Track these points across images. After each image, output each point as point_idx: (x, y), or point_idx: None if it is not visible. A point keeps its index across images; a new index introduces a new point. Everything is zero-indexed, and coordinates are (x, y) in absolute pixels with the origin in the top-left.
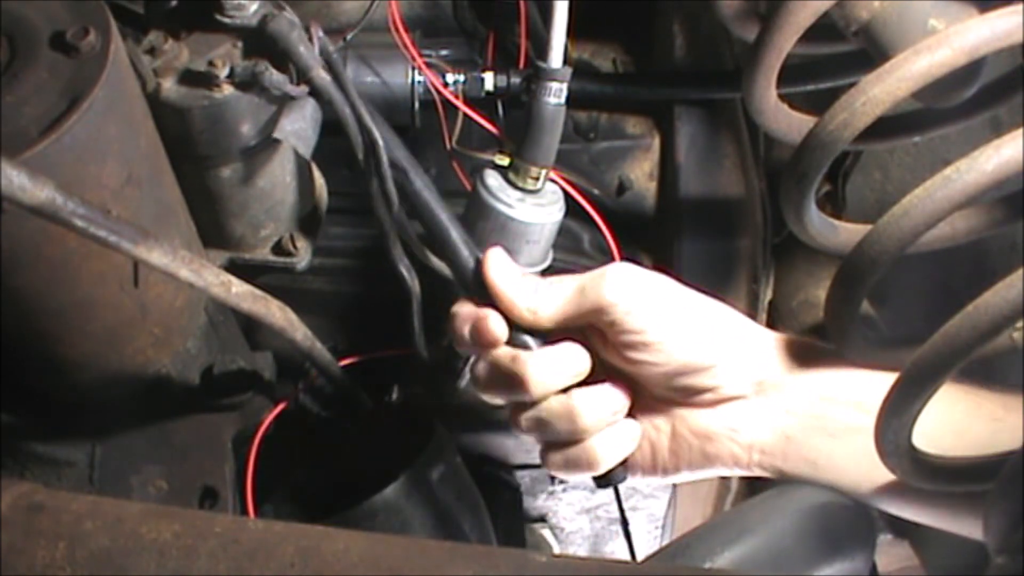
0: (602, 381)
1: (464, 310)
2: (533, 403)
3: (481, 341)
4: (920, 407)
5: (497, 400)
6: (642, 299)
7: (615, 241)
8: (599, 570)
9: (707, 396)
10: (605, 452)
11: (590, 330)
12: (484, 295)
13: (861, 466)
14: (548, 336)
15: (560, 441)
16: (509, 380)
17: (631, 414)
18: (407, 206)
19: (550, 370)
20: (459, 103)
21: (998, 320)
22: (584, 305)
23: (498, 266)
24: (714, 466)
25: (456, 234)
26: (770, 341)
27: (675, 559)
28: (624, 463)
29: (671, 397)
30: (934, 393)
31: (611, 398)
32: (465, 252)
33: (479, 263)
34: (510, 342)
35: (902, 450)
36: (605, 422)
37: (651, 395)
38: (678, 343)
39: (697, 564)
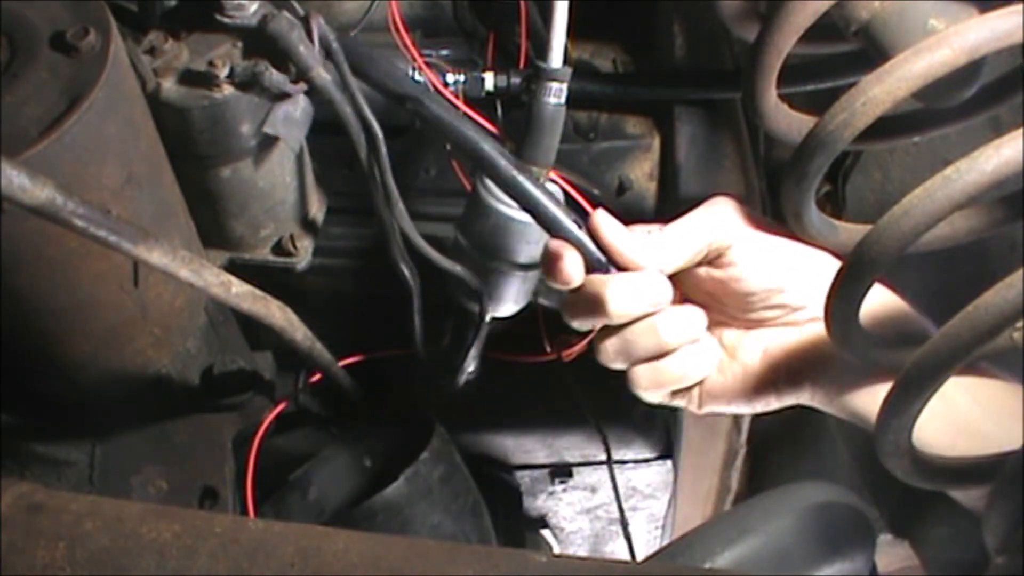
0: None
1: (553, 245)
2: (618, 328)
3: (566, 272)
4: (920, 407)
5: (584, 325)
6: (737, 223)
7: None
8: (599, 570)
9: (793, 316)
10: (689, 368)
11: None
12: (529, 203)
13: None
14: None
15: (644, 358)
16: (591, 304)
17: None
18: (433, 132)
19: (631, 295)
20: (459, 103)
21: (998, 320)
22: (699, 254)
23: (610, 229)
24: (799, 388)
25: (490, 146)
26: None
27: (675, 559)
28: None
29: (758, 318)
30: (934, 393)
31: (692, 316)
32: (504, 161)
33: (590, 230)
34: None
35: (902, 450)
36: (688, 339)
37: (737, 318)
38: (765, 257)
39: (697, 564)
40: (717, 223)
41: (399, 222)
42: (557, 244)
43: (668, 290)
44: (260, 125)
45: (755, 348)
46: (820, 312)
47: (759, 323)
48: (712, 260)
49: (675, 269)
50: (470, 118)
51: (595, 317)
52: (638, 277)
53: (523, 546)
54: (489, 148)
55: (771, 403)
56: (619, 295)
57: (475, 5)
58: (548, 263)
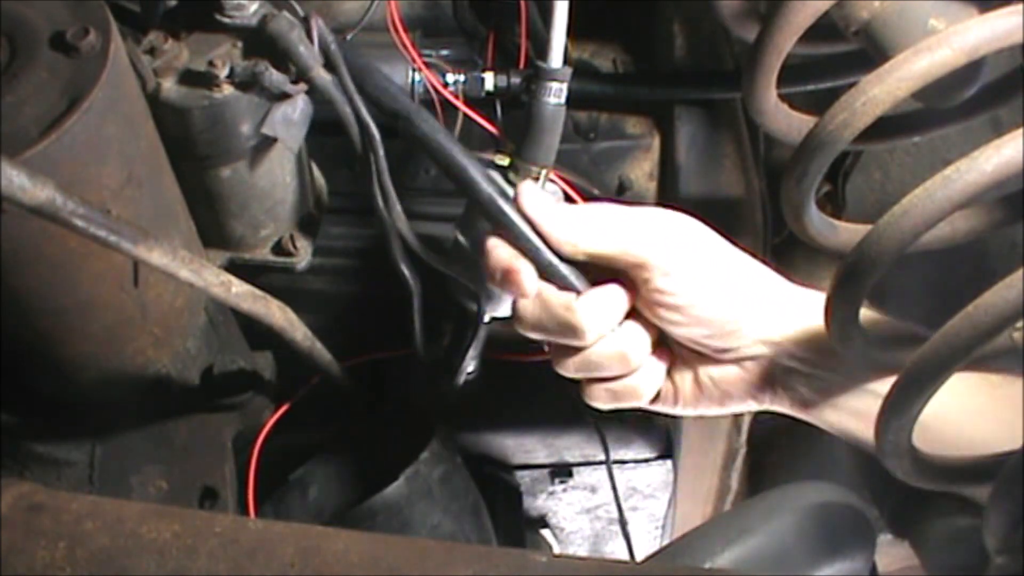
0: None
1: (499, 252)
2: (582, 348)
3: (512, 290)
4: (920, 407)
5: (538, 339)
6: (681, 261)
7: None
8: (599, 570)
9: (729, 355)
10: (647, 386)
11: (622, 272)
12: (511, 228)
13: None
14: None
15: (606, 377)
16: (562, 327)
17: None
18: (421, 151)
19: (603, 316)
20: (459, 103)
21: (998, 320)
22: (624, 254)
23: (532, 198)
24: (732, 407)
25: (475, 171)
26: (801, 299)
27: (675, 559)
28: None
29: (694, 349)
30: (934, 393)
31: (646, 336)
32: (486, 186)
33: (513, 198)
34: (545, 277)
35: (902, 450)
36: (647, 359)
37: (674, 342)
38: (705, 308)
39: (697, 564)
40: (650, 240)
41: (397, 226)
42: (508, 258)
43: (628, 302)
44: (260, 125)
45: (689, 372)
46: (754, 353)
47: (695, 353)
48: (648, 287)
49: (588, 256)
50: (458, 142)
51: (564, 338)
52: (608, 295)
53: (523, 546)
54: (474, 174)
55: (709, 412)
56: (594, 318)
57: (475, 5)
58: (504, 276)
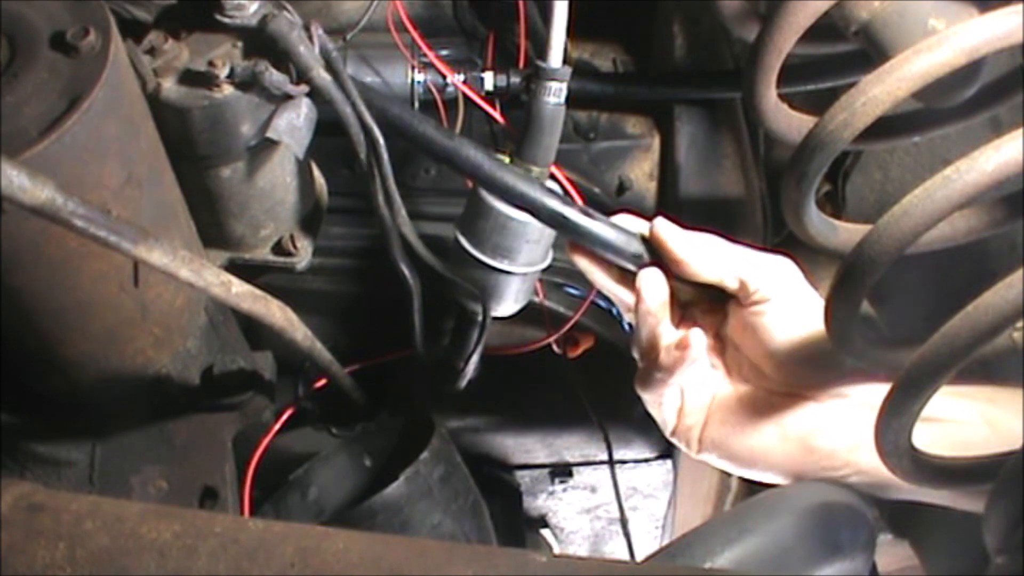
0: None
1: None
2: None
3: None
4: (920, 407)
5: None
6: (782, 294)
7: None
8: (599, 570)
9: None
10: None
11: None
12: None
13: None
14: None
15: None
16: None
17: None
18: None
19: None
20: (470, 92)
21: (998, 320)
22: (741, 279)
23: (667, 229)
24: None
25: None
26: None
27: (675, 559)
28: None
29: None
30: (934, 393)
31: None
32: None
33: (653, 240)
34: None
35: (902, 450)
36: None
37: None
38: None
39: (697, 564)
40: (768, 269)
41: (399, 226)
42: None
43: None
44: (261, 126)
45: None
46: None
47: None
48: (747, 306)
49: (710, 280)
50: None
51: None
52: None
53: (523, 546)
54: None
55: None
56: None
57: (475, 5)
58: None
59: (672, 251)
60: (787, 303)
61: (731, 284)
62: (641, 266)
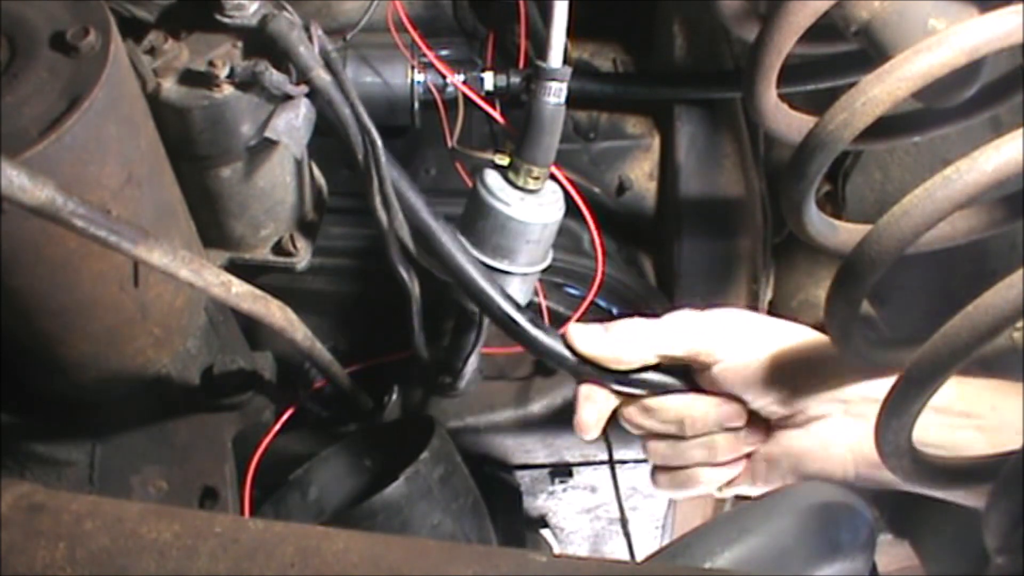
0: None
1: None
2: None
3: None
4: (920, 407)
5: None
6: (734, 348)
7: (613, 242)
8: (599, 570)
9: (796, 419)
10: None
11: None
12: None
13: None
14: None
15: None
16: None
17: None
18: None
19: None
20: (470, 92)
21: (998, 320)
22: (694, 353)
23: (583, 338)
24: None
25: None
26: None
27: (675, 559)
28: None
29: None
30: (934, 393)
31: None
32: (507, 305)
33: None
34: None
35: (902, 450)
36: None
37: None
38: (760, 378)
39: (697, 564)
40: (709, 330)
41: (396, 229)
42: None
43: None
44: (260, 126)
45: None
46: (819, 412)
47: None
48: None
49: (636, 364)
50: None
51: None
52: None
53: (523, 546)
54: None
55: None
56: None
57: (475, 5)
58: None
59: (591, 355)
60: (743, 344)
61: (682, 354)
62: (580, 381)
